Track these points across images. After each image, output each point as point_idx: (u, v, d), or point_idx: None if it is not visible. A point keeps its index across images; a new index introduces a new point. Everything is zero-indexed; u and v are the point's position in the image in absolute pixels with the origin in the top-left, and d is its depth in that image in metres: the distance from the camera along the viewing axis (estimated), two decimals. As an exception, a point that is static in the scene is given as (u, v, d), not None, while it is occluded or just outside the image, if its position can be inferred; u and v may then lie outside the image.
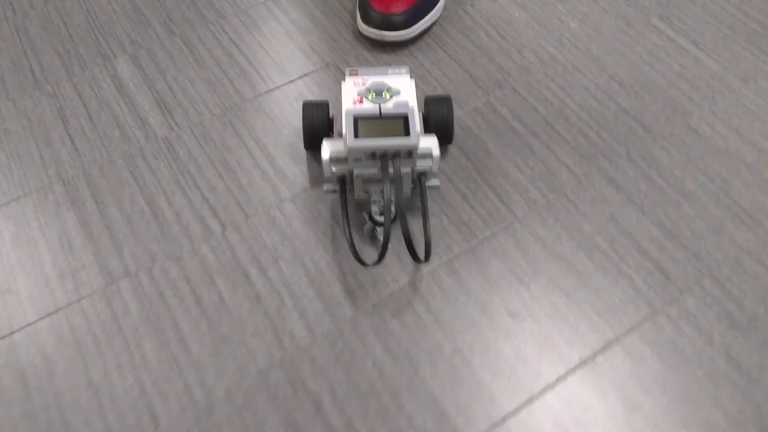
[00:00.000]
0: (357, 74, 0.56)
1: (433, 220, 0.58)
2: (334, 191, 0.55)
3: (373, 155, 0.51)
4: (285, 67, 0.69)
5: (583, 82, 0.68)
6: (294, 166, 0.61)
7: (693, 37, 0.72)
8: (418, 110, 0.60)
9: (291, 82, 0.68)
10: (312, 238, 0.57)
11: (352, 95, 0.54)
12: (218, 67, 0.69)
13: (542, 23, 0.73)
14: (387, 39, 0.68)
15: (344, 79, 0.59)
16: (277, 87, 0.67)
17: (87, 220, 0.58)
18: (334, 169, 0.53)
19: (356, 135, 0.51)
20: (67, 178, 0.61)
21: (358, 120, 0.52)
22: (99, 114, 0.65)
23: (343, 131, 0.52)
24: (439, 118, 0.58)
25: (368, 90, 0.54)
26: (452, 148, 0.62)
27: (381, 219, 0.54)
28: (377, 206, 0.54)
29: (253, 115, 0.65)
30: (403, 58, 0.70)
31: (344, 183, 0.54)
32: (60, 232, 0.57)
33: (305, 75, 0.69)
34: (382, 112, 0.52)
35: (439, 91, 0.67)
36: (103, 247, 0.56)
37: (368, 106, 0.53)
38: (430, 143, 0.53)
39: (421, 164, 0.53)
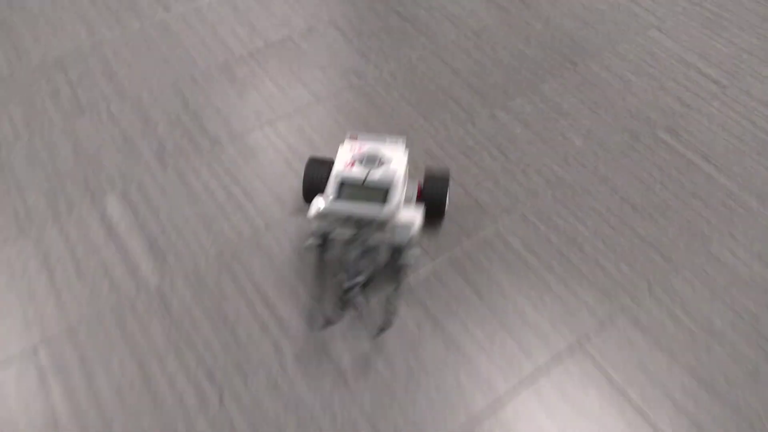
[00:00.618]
0: (356, 139, 0.59)
1: (450, 374, 0.54)
2: (316, 245, 0.56)
3: (349, 220, 0.53)
4: (283, 200, 0.66)
5: (595, 206, 0.66)
6: (296, 316, 0.57)
7: (703, 150, 0.71)
8: (411, 181, 0.62)
9: (291, 215, 0.65)
10: (317, 405, 0.52)
11: (346, 158, 0.56)
12: (214, 202, 0.66)
13: (545, 140, 0.72)
14: None
15: (343, 143, 0.61)
16: (277, 222, 0.65)
17: (74, 391, 0.53)
18: (317, 224, 0.56)
19: (338, 197, 0.54)
20: (53, 339, 0.56)
21: (343, 183, 0.54)
22: (87, 262, 0.61)
23: (327, 191, 0.55)
24: (432, 193, 0.60)
25: (362, 156, 0.56)
26: (464, 287, 0.59)
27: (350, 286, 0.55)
28: (348, 274, 0.54)
29: (250, 255, 0.62)
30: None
31: (326, 240, 0.56)
32: (44, 407, 0.52)
33: (305, 208, 0.66)
34: (367, 179, 0.54)
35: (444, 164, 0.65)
36: (92, 425, 0.51)
37: (357, 172, 0.55)
38: (412, 216, 0.55)
39: (400, 235, 0.55)
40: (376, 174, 0.54)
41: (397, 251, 0.55)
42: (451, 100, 0.76)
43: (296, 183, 0.68)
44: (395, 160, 0.56)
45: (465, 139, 0.72)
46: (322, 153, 0.71)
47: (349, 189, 0.54)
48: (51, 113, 0.74)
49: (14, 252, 0.62)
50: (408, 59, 0.81)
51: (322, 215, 0.54)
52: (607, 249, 0.62)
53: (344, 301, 0.53)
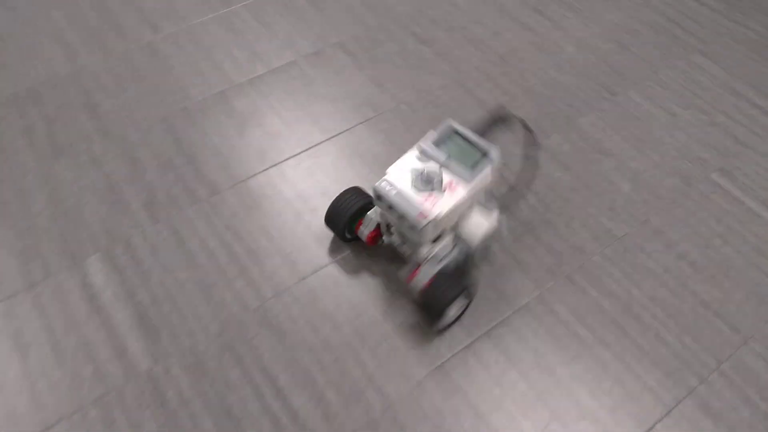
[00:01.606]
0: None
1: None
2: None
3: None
4: (293, 260, 0.58)
5: (649, 265, 0.58)
6: (313, 407, 0.49)
7: (763, 196, 0.63)
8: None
9: (303, 280, 0.57)
10: None
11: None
12: (213, 264, 0.58)
13: (589, 186, 0.64)
14: None
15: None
16: (287, 289, 0.56)
17: None
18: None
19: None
20: (25, 440, 0.48)
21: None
22: (67, 341, 0.53)
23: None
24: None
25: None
26: (508, 367, 0.51)
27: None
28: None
29: (258, 332, 0.53)
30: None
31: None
32: None
33: (323, 267, 0.57)
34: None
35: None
36: None
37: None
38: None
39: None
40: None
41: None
42: (478, 137, 0.68)
43: (307, 238, 0.59)
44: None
45: (498, 185, 0.64)
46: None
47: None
48: (23, 155, 0.65)
49: (-20, 328, 0.54)
50: (428, 88, 0.73)
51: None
52: (668, 318, 0.55)
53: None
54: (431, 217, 0.47)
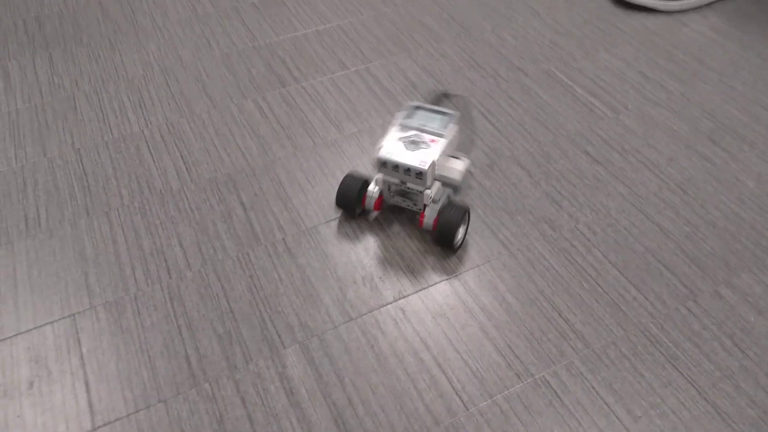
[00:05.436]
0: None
1: None
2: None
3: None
4: (482, 375, 0.61)
5: None
6: None
7: None
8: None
9: (492, 398, 0.60)
10: None
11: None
12: (403, 371, 0.62)
13: (788, 334, 0.65)
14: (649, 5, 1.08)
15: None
16: (477, 401, 0.60)
17: None
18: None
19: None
20: None
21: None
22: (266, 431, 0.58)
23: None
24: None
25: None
26: None
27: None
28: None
29: (450, 446, 0.57)
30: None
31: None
32: None
33: (513, 386, 0.59)
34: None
35: None
36: None
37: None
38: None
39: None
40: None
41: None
42: (663, 267, 0.71)
43: (493, 353, 0.62)
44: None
45: (690, 322, 0.66)
46: (515, 309, 0.66)
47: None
48: (224, 240, 0.74)
49: (186, 408, 0.60)
50: (606, 210, 0.77)
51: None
52: None
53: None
54: (430, 160, 0.67)
